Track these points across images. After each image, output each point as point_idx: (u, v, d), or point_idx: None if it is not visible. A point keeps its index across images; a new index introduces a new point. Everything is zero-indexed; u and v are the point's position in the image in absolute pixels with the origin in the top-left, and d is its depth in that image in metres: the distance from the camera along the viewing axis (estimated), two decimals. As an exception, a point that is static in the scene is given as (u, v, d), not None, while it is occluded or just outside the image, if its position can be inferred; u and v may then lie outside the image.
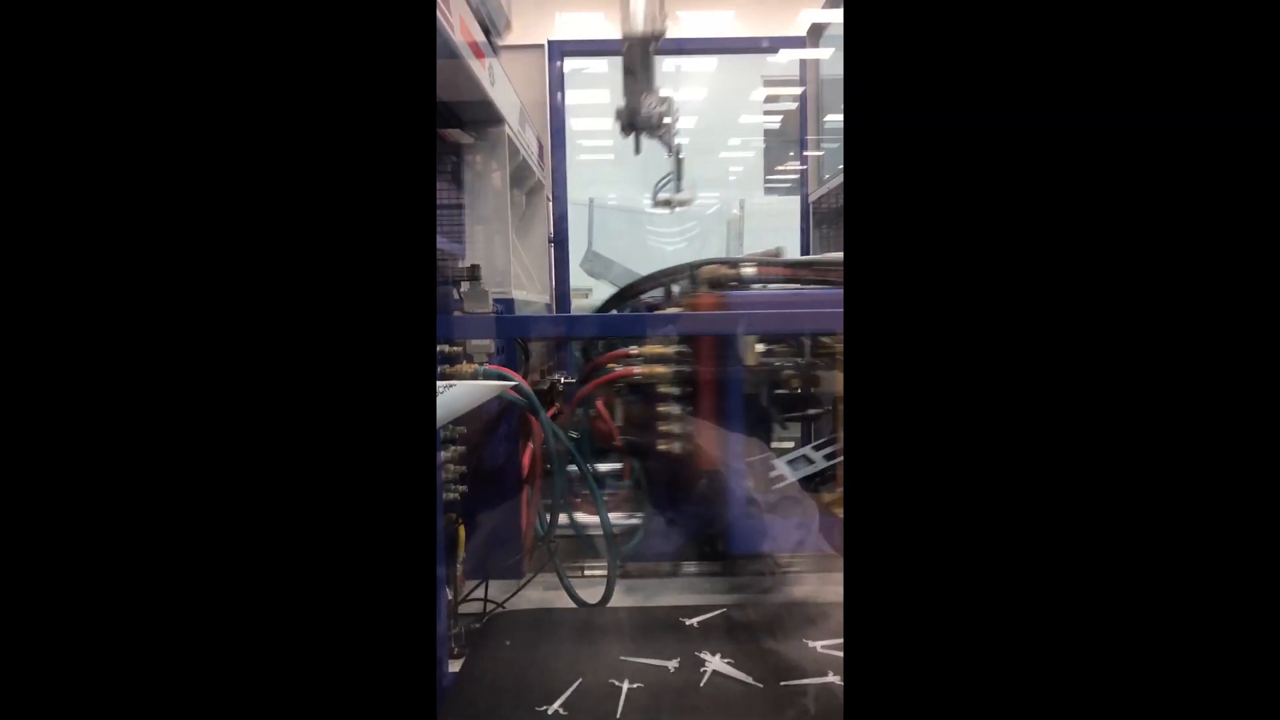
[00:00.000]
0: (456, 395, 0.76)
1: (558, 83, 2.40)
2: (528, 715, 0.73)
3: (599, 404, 1.24)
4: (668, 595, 1.28)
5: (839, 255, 1.22)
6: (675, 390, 1.15)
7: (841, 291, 1.16)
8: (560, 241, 2.28)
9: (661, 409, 1.16)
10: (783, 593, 1.22)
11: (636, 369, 1.15)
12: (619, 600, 1.14)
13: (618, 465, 1.34)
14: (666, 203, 2.17)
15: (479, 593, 1.25)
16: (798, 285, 1.20)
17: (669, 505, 1.38)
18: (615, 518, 1.38)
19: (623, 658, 0.83)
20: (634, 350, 1.15)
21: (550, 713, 0.72)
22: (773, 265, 1.17)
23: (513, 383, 1.12)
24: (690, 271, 1.20)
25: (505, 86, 1.45)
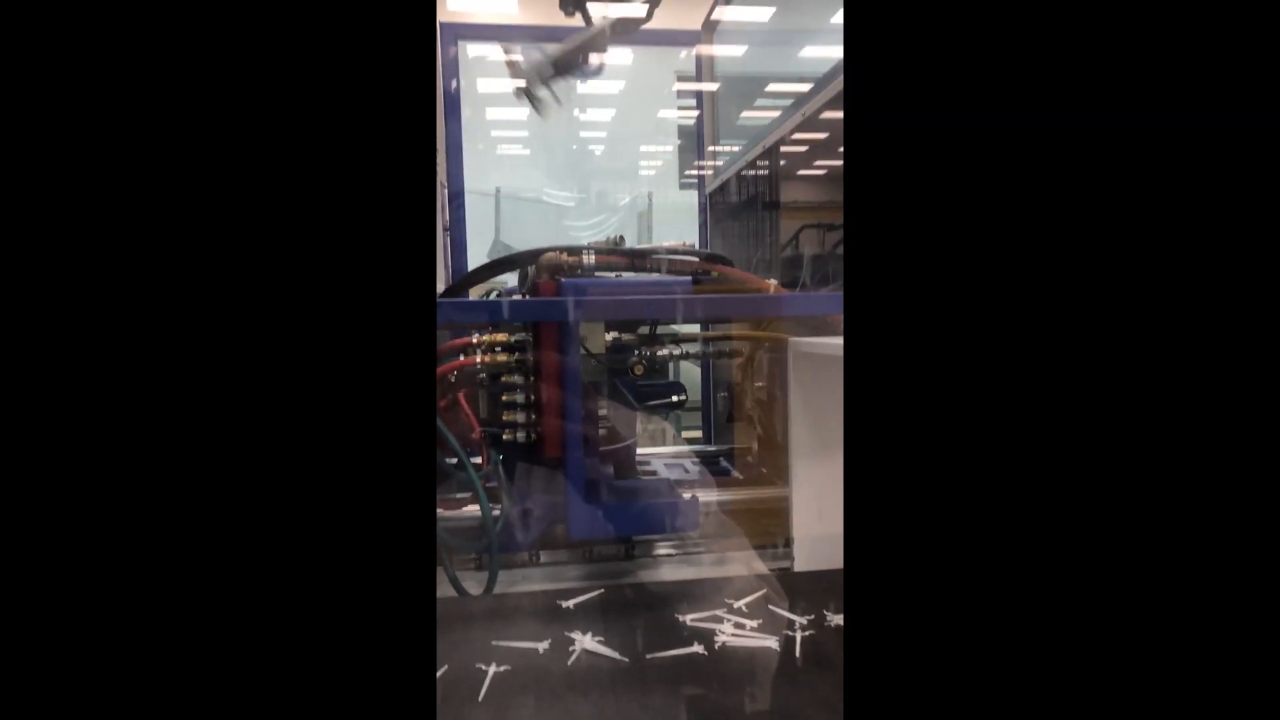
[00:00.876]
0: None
1: (452, 67, 2.35)
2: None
3: (460, 396, 1.23)
4: (537, 584, 1.28)
5: (675, 245, 1.26)
6: (518, 379, 1.16)
7: (680, 280, 1.19)
8: (455, 230, 2.23)
9: (505, 397, 1.16)
10: (657, 572, 1.25)
11: (478, 357, 1.15)
12: (502, 590, 1.14)
13: (477, 459, 1.33)
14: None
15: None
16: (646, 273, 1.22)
17: (524, 495, 1.39)
18: (475, 510, 1.37)
19: (494, 642, 0.82)
20: (475, 339, 1.15)
21: (410, 700, 0.71)
22: (612, 254, 1.19)
23: None
24: (531, 259, 1.21)
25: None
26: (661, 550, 1.38)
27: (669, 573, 1.27)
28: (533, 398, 1.16)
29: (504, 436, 1.16)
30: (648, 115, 3.49)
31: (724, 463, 1.77)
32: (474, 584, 1.20)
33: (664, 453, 1.83)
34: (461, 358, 1.16)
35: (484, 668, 0.76)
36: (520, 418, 1.16)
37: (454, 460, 1.19)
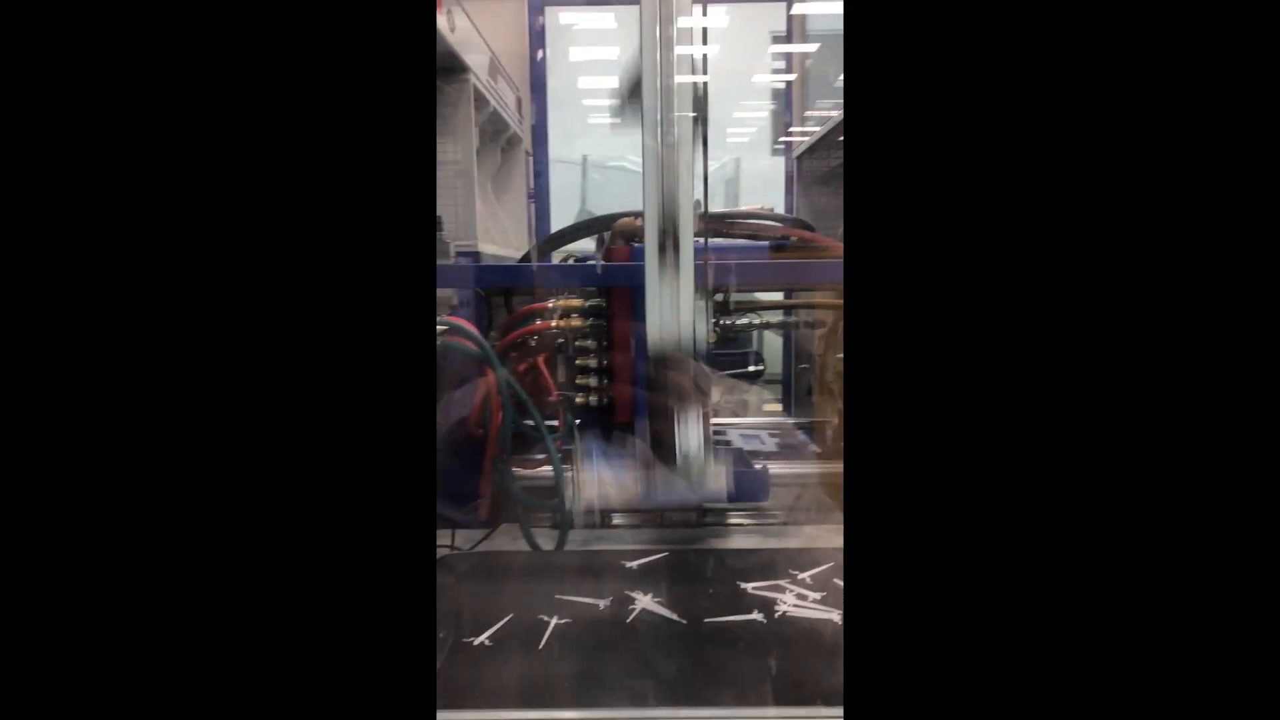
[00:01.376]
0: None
1: (539, 36, 2.36)
2: (455, 647, 0.75)
3: (539, 360, 1.26)
4: (607, 544, 1.31)
5: (754, 208, 1.21)
6: (591, 344, 1.16)
7: (758, 245, 1.15)
8: (540, 198, 2.26)
9: (579, 362, 1.17)
10: (728, 540, 1.25)
11: (554, 322, 1.16)
12: (573, 548, 1.17)
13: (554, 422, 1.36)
14: None
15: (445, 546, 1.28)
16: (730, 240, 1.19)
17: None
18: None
19: (557, 596, 0.85)
20: (551, 304, 1.16)
21: (476, 644, 0.75)
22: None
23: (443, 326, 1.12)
24: (605, 225, 1.20)
25: (471, 35, 1.43)
26: (734, 519, 1.37)
27: (739, 541, 1.26)
28: (604, 363, 1.17)
29: (576, 400, 1.19)
30: (739, 79, 3.39)
31: (803, 435, 1.73)
32: (547, 541, 1.24)
33: (742, 424, 1.82)
34: (537, 322, 1.19)
35: (546, 619, 0.79)
36: (593, 382, 1.17)
37: (531, 422, 1.23)
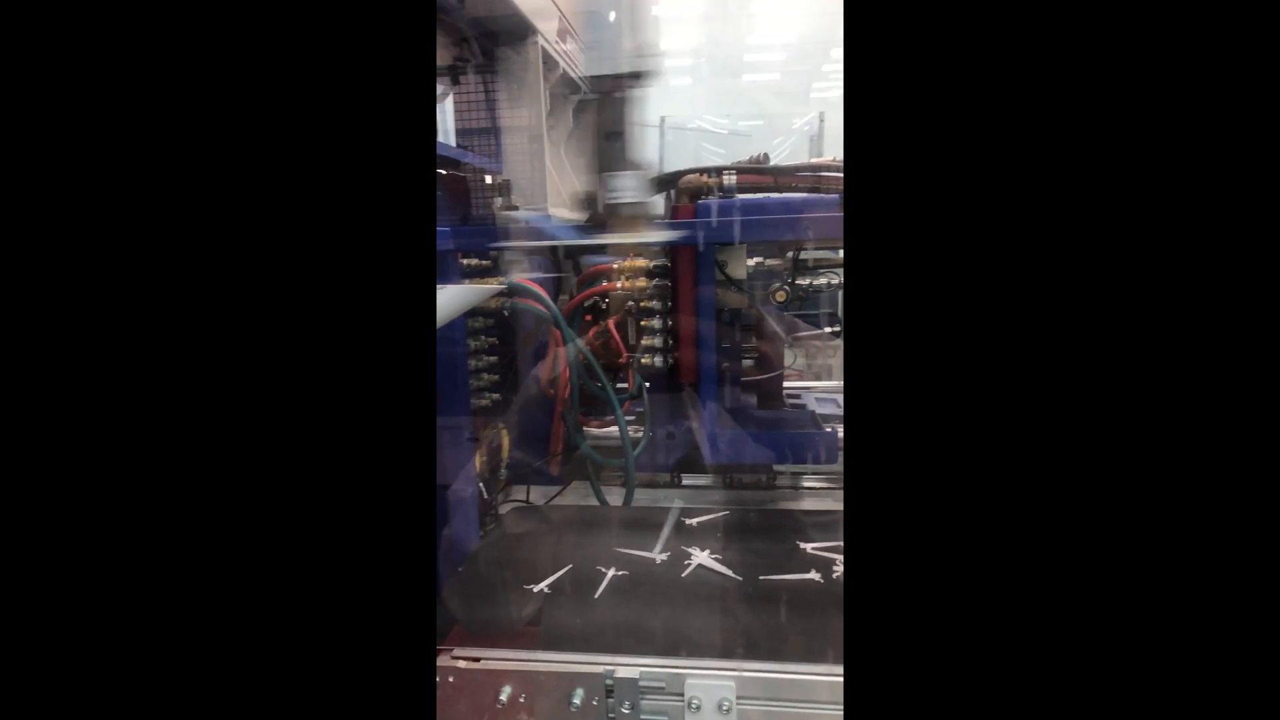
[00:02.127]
0: (448, 298, 0.80)
1: (613, -6, 2.32)
2: (515, 593, 0.79)
3: (610, 322, 1.26)
4: (674, 503, 1.32)
5: (824, 160, 1.15)
6: (656, 304, 1.15)
7: (828, 199, 1.10)
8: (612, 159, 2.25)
9: (644, 323, 1.17)
10: (790, 501, 1.23)
11: (619, 283, 1.16)
12: (640, 504, 1.19)
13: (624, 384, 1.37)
14: None
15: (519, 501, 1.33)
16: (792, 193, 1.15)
17: (664, 418, 1.41)
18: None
19: (616, 549, 0.87)
20: (616, 265, 1.16)
21: (535, 590, 0.78)
22: (754, 173, 1.12)
23: (494, 290, 1.15)
24: (671, 182, 1.18)
25: (541, -1, 1.43)
26: (806, 483, 1.36)
27: (807, 504, 1.24)
28: (670, 323, 1.17)
29: (642, 360, 1.19)
30: (828, 31, 3.22)
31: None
32: (616, 498, 1.27)
33: (820, 387, 1.78)
34: (603, 283, 1.19)
35: (604, 570, 0.81)
36: (658, 343, 1.17)
37: (600, 384, 1.25)
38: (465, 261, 1.16)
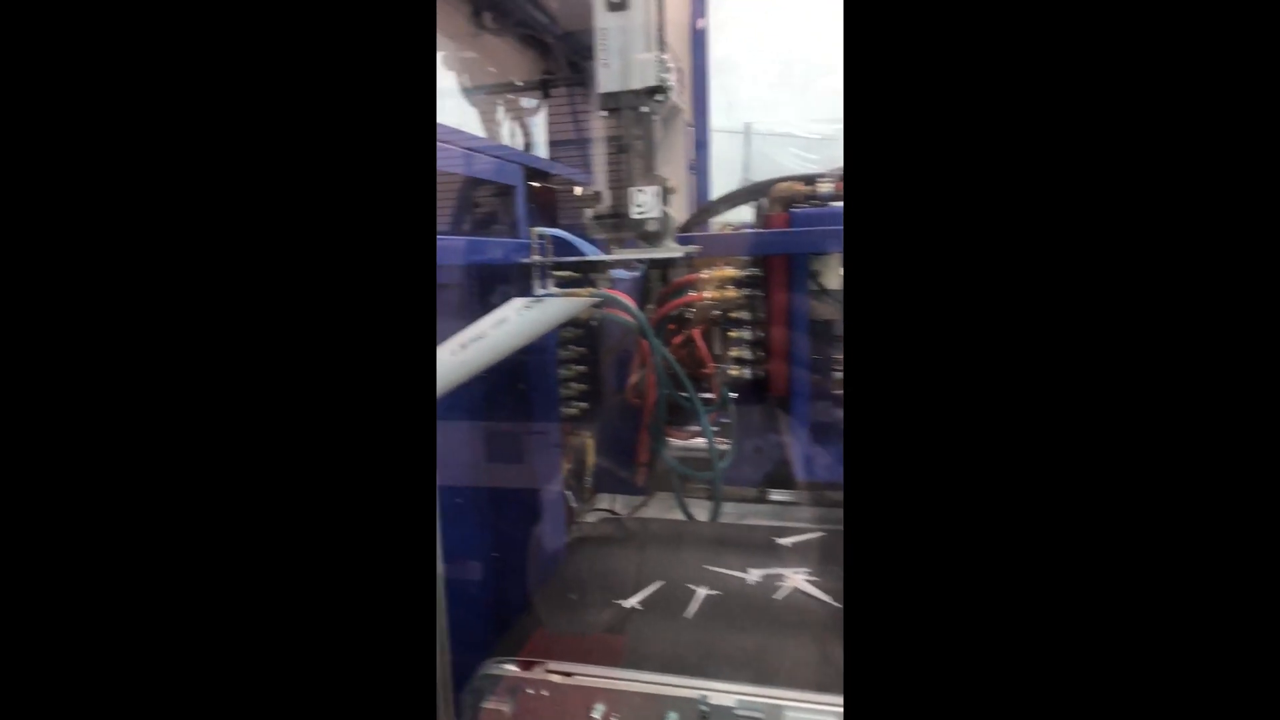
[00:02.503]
0: (547, 310, 0.80)
1: (699, 3, 2.31)
2: (606, 607, 0.78)
3: (695, 331, 1.24)
4: (763, 519, 1.28)
5: None
6: (746, 315, 1.12)
7: None
8: (700, 170, 2.24)
9: (733, 334, 1.14)
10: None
11: (707, 293, 1.13)
12: (728, 520, 1.17)
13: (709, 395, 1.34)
14: None
15: (603, 510, 1.33)
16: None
17: (752, 431, 1.37)
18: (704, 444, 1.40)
19: (706, 566, 0.85)
20: (705, 274, 1.13)
21: (626, 606, 0.77)
22: None
23: (596, 299, 1.14)
24: (763, 190, 1.14)
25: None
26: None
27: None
28: (760, 335, 1.14)
29: (731, 373, 1.17)
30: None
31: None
32: (702, 511, 1.25)
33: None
34: (690, 293, 1.18)
35: (694, 589, 0.79)
36: (747, 354, 1.15)
37: (686, 394, 1.24)
38: (558, 273, 1.17)
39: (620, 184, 1.03)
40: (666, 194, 0.96)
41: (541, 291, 1.08)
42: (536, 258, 1.10)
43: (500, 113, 1.57)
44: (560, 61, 1.52)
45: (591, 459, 1.39)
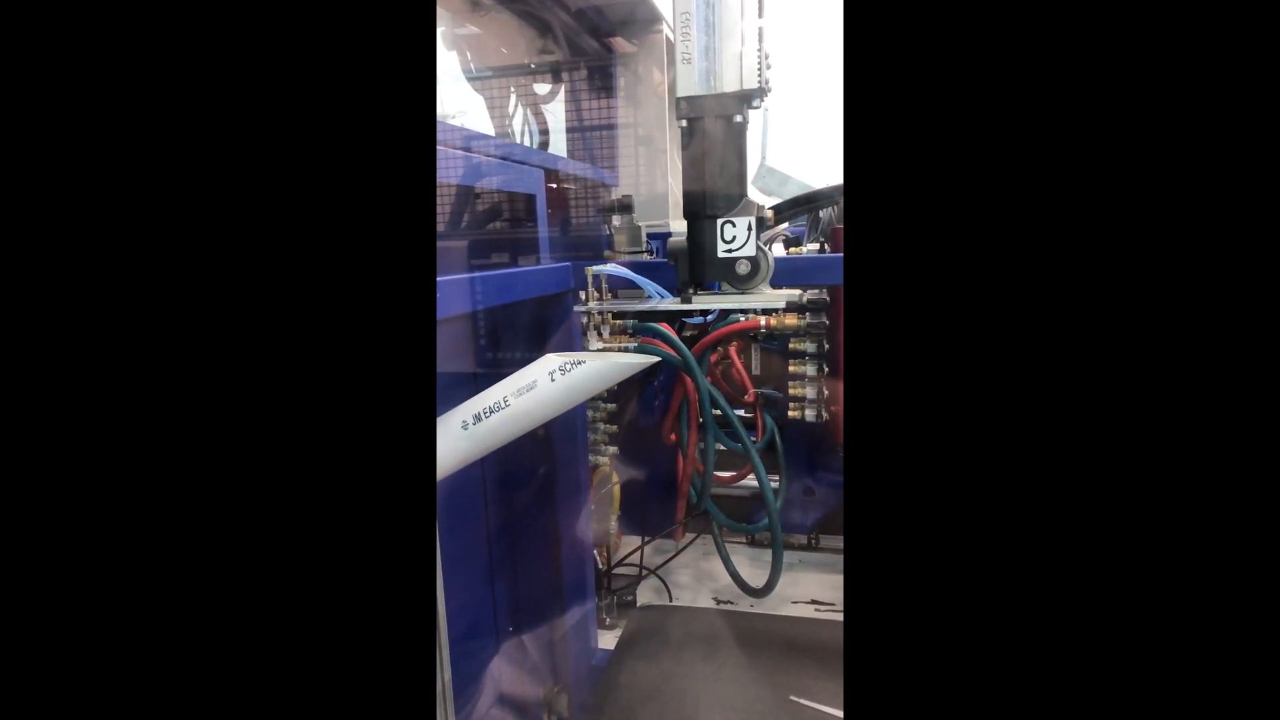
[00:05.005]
0: (587, 374, 0.62)
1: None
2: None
3: (732, 351, 1.07)
4: (804, 573, 1.12)
5: None
6: (809, 346, 0.95)
7: None
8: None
9: (793, 368, 0.96)
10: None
11: (764, 319, 0.95)
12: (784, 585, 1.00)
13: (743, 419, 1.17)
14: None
15: (634, 560, 1.17)
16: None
17: (806, 472, 1.19)
18: (750, 481, 1.23)
19: (792, 698, 0.68)
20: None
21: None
22: None
23: (650, 360, 0.97)
24: (832, 200, 0.96)
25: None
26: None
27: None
28: (825, 368, 0.97)
29: (790, 413, 1.00)
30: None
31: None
32: (746, 563, 1.09)
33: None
34: (742, 319, 1.00)
35: (780, 730, 0.63)
36: (809, 392, 0.97)
37: (727, 429, 1.07)
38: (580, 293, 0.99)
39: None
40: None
41: (593, 348, 0.90)
42: (592, 305, 0.90)
43: (510, 100, 1.36)
44: (558, 38, 1.30)
45: (618, 504, 1.23)
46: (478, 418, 0.65)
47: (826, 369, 0.98)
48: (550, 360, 0.64)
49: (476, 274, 0.80)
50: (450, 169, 0.83)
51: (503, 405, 0.65)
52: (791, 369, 0.99)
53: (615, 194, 1.19)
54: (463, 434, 0.65)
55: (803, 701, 0.67)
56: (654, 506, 1.22)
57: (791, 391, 1.01)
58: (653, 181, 1.30)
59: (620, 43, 1.31)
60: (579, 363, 0.63)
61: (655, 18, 1.23)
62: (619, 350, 0.94)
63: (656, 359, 0.73)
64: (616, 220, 1.18)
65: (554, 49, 1.32)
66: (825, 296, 0.95)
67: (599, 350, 0.93)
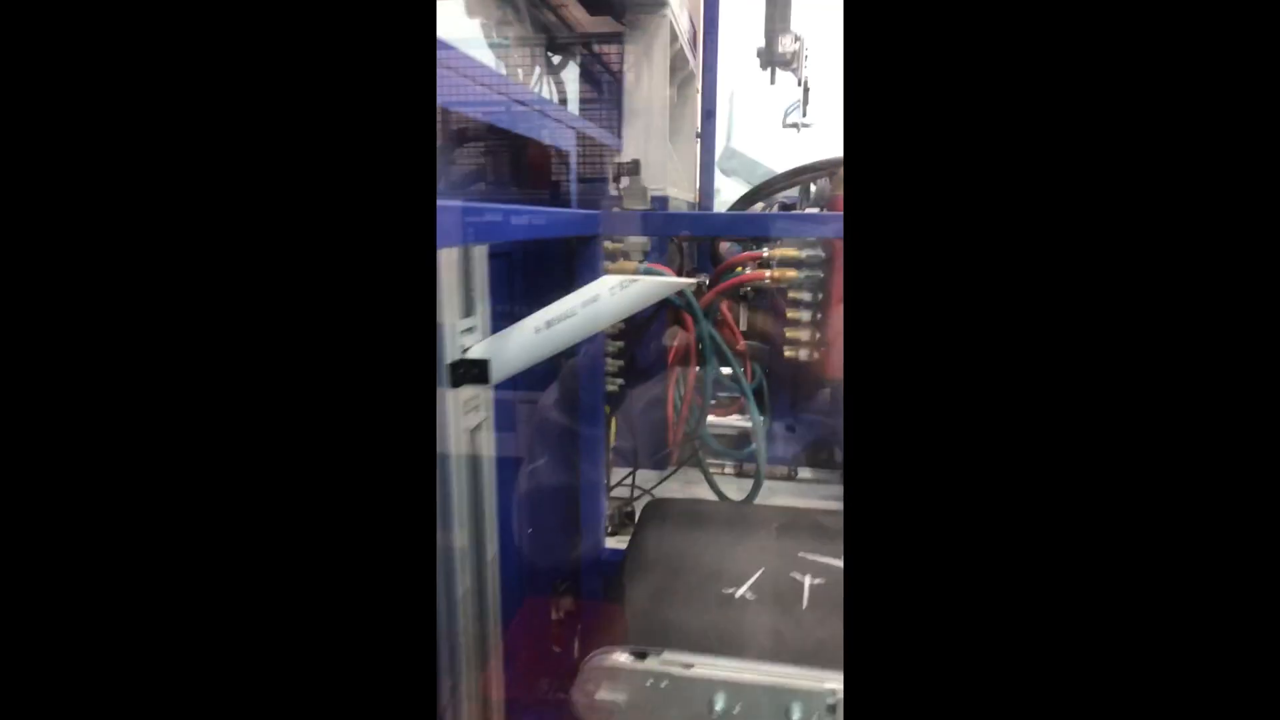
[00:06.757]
0: (638, 291, 0.76)
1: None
2: (715, 596, 0.77)
3: (723, 307, 1.22)
4: (794, 498, 1.29)
5: None
6: (806, 296, 1.11)
7: None
8: (707, 138, 2.18)
9: (790, 314, 1.12)
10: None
11: (768, 272, 1.11)
12: (763, 499, 1.16)
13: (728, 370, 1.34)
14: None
15: (627, 484, 1.31)
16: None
17: (789, 411, 1.37)
18: (733, 420, 1.40)
19: (801, 554, 0.84)
20: (765, 252, 1.11)
21: (738, 596, 0.75)
22: None
23: (693, 282, 1.11)
24: (831, 169, 1.12)
25: (666, -38, 1.36)
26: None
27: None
28: (819, 316, 1.13)
29: (786, 354, 1.15)
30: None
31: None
32: (730, 489, 1.24)
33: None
34: (747, 271, 1.15)
35: (799, 578, 0.78)
36: (804, 335, 1.13)
37: (726, 370, 1.22)
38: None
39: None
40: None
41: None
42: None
43: (532, 69, 1.47)
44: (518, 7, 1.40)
45: (614, 435, 1.36)
46: (549, 323, 0.77)
47: (819, 315, 1.14)
48: (609, 279, 0.77)
49: (534, 207, 0.93)
50: (499, 117, 0.95)
51: (571, 315, 0.78)
52: (789, 315, 1.15)
53: (621, 158, 1.33)
54: (534, 336, 0.78)
55: (811, 556, 0.82)
56: (646, 438, 1.37)
57: (788, 335, 1.16)
58: (652, 151, 1.43)
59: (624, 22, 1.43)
60: (633, 280, 0.76)
61: (661, 1, 1.36)
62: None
63: (696, 280, 0.87)
64: (625, 181, 1.31)
65: (509, 20, 1.42)
66: (821, 253, 1.11)
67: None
